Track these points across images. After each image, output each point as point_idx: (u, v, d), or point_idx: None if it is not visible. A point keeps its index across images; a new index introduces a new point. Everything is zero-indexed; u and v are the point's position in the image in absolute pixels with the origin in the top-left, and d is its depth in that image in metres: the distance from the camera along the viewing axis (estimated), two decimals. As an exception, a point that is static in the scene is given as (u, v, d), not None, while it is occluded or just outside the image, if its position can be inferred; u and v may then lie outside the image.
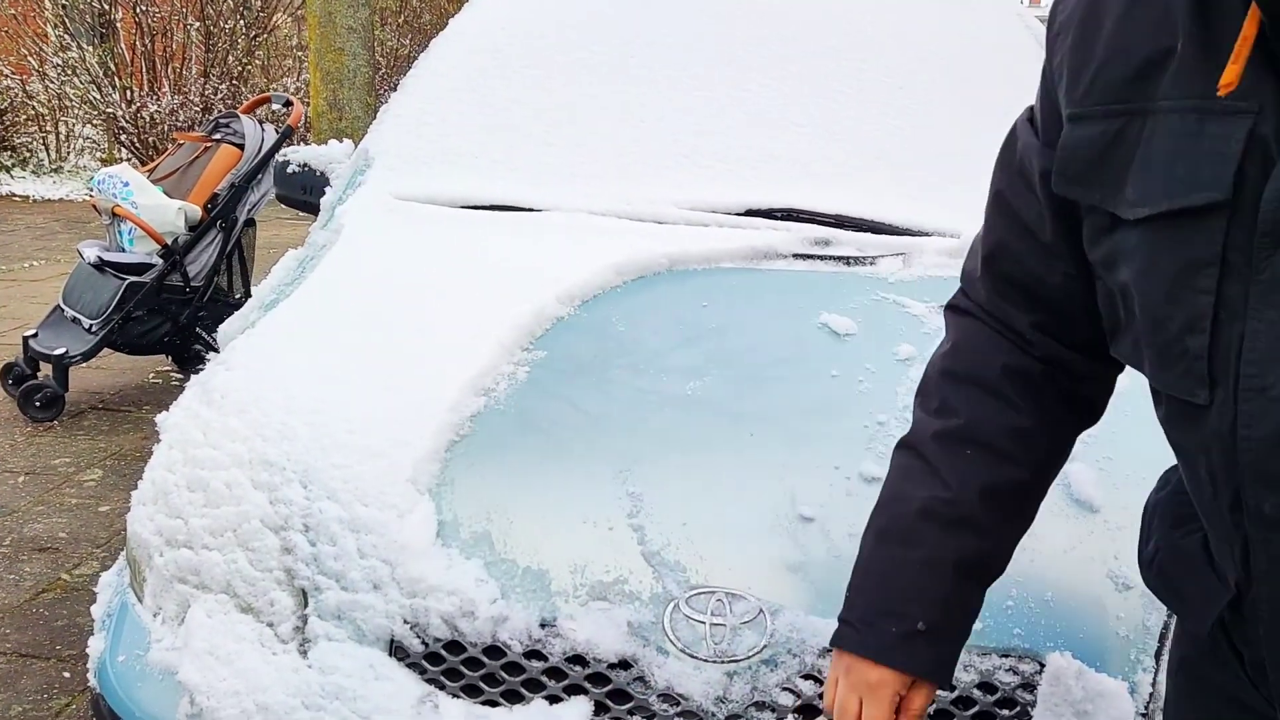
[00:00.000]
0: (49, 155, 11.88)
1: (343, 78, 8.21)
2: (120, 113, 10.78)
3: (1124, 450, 1.41)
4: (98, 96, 10.81)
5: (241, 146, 4.44)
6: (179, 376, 4.76)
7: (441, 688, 1.33)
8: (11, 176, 11.12)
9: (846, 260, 1.97)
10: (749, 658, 1.28)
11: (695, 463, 1.45)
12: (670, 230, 2.03)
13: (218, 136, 4.54)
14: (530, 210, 2.14)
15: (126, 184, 4.28)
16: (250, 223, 4.62)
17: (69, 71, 10.88)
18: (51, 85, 11.07)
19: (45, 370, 4.31)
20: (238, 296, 4.57)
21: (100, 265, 4.28)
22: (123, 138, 11.04)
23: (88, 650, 1.60)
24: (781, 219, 2.10)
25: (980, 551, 1.02)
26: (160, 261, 4.31)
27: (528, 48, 2.55)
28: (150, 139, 10.79)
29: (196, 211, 4.36)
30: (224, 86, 11.14)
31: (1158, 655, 1.30)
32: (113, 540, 3.22)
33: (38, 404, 4.19)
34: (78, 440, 4.08)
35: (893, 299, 1.81)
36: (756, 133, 2.29)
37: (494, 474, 1.44)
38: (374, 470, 1.44)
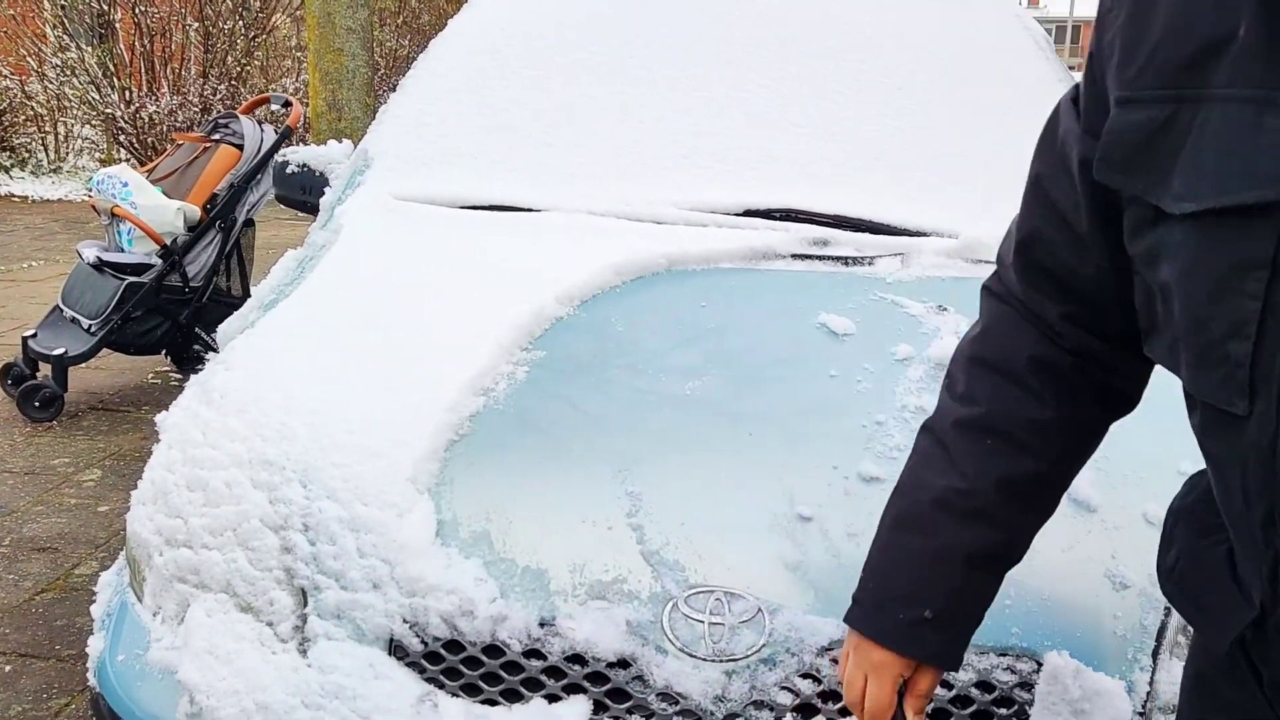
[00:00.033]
0: (48, 156, 11.89)
1: (342, 78, 8.20)
2: (119, 113, 10.79)
3: (1122, 450, 1.40)
4: (96, 97, 10.81)
5: (241, 147, 4.44)
6: (178, 376, 4.76)
7: (441, 687, 1.33)
8: (10, 177, 11.13)
9: (845, 260, 1.97)
10: (747, 657, 1.29)
11: (694, 462, 1.45)
12: (669, 231, 2.04)
13: (217, 137, 4.55)
14: (529, 210, 2.14)
15: (125, 184, 4.28)
16: (249, 223, 4.62)
17: (68, 72, 10.89)
18: (50, 86, 11.08)
19: (44, 370, 4.31)
20: (237, 296, 4.57)
21: (99, 265, 4.29)
22: (121, 138, 11.04)
23: (87, 650, 1.60)
24: (780, 219, 2.10)
25: (995, 543, 1.01)
26: (159, 262, 4.31)
27: (527, 48, 2.55)
28: (149, 139, 10.80)
29: (195, 212, 4.37)
30: (223, 87, 11.14)
31: (1155, 654, 1.30)
32: (112, 540, 3.22)
33: (37, 404, 4.20)
34: (77, 440, 4.08)
35: (891, 299, 1.82)
36: (755, 133, 2.29)
37: (493, 473, 1.45)
38: (373, 470, 1.44)
